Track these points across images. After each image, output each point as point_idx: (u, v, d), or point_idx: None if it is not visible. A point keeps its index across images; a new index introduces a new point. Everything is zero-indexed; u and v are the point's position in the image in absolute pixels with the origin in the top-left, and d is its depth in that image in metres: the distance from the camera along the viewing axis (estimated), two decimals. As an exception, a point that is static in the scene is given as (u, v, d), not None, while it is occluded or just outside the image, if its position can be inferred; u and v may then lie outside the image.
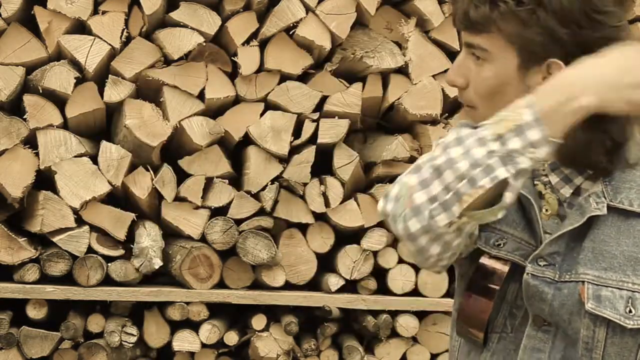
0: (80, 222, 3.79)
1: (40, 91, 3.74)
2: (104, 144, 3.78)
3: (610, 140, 1.76)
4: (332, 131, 3.87)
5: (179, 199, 3.83)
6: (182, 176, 3.84)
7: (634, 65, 1.70)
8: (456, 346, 1.90)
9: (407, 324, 3.94)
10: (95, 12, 3.77)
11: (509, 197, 1.67)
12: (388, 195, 1.75)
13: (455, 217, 1.68)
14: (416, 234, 1.71)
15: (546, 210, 1.82)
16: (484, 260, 1.83)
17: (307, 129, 3.86)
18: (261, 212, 3.87)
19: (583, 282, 1.75)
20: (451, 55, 3.92)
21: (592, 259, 1.76)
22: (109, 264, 3.79)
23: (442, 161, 1.69)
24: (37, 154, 3.75)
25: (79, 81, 3.76)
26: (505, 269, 1.81)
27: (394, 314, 3.93)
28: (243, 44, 3.80)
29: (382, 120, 4.06)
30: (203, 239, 3.85)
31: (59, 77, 3.73)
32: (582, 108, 1.66)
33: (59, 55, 3.82)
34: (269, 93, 3.85)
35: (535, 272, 1.78)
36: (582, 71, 1.69)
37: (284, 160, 3.86)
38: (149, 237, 3.78)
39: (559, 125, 1.66)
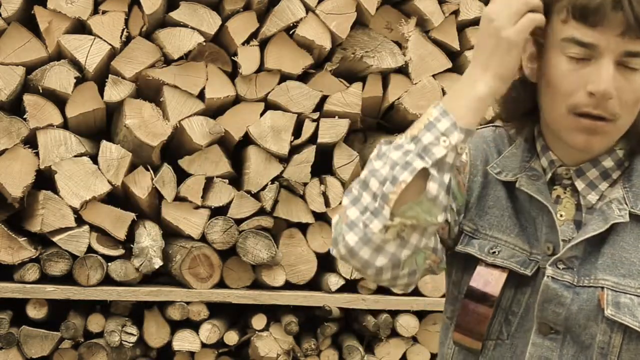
0: (80, 221, 3.79)
1: (41, 91, 3.74)
2: (104, 144, 3.78)
3: None
4: (332, 131, 3.87)
5: (179, 198, 3.83)
6: (182, 176, 3.84)
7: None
8: (449, 353, 1.88)
9: (407, 324, 3.94)
10: (95, 11, 3.77)
11: (432, 187, 1.69)
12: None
13: (388, 219, 1.70)
14: (355, 247, 1.74)
15: (561, 215, 1.81)
16: (481, 268, 1.82)
17: (307, 129, 3.86)
18: (261, 211, 3.87)
19: (602, 288, 1.76)
20: (451, 55, 3.93)
21: (611, 265, 1.76)
22: (109, 264, 3.79)
23: (366, 174, 1.75)
24: (37, 154, 3.75)
25: (79, 81, 3.76)
26: (502, 276, 1.81)
27: (394, 313, 3.93)
28: (243, 44, 3.80)
29: (382, 120, 4.07)
30: (203, 238, 3.85)
31: (59, 77, 3.73)
32: (482, 94, 1.72)
33: (59, 55, 3.82)
34: (269, 93, 3.85)
35: (555, 275, 1.78)
36: (474, 61, 1.73)
37: (284, 160, 3.87)
38: (149, 237, 3.78)
39: (467, 111, 1.71)
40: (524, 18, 1.71)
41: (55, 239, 3.77)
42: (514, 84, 1.82)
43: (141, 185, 3.81)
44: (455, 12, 3.95)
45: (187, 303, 3.85)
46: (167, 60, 3.81)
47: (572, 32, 1.72)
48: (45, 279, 3.80)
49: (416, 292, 3.93)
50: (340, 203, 3.88)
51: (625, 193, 1.78)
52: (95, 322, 3.86)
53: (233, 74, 3.86)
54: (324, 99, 3.88)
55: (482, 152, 1.89)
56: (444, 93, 3.89)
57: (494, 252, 1.82)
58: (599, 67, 1.71)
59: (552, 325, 1.78)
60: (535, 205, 1.82)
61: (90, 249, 3.79)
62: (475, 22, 3.99)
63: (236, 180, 3.91)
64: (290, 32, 3.83)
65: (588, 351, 1.76)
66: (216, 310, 3.92)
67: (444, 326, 1.92)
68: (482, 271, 1.82)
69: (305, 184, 3.87)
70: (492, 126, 1.94)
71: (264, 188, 3.85)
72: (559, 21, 1.74)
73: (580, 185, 1.81)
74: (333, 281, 3.89)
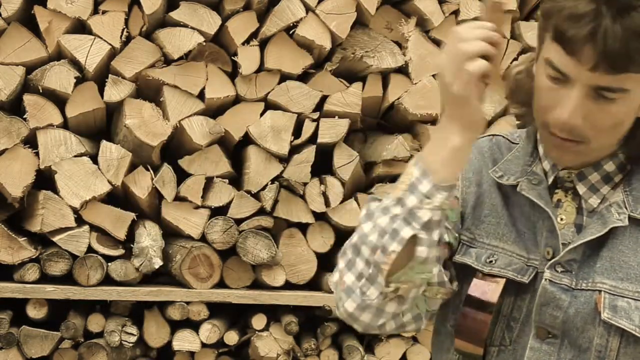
0: (80, 221, 3.79)
1: (40, 91, 3.74)
2: (104, 144, 3.78)
3: None
4: (332, 131, 3.87)
5: (179, 198, 3.83)
6: (182, 176, 3.84)
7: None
8: None
9: (407, 324, 3.93)
10: (95, 11, 3.77)
11: (421, 250, 1.71)
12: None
13: (384, 287, 1.74)
14: (355, 313, 1.79)
15: (561, 219, 1.81)
16: (478, 278, 1.83)
17: (307, 129, 3.86)
18: (261, 211, 3.87)
19: (600, 291, 1.75)
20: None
21: (609, 269, 1.76)
22: (109, 264, 3.79)
23: (357, 238, 1.76)
24: (37, 154, 3.75)
25: (79, 81, 3.76)
26: (500, 285, 1.81)
27: (394, 313, 3.93)
28: (243, 44, 3.80)
29: (382, 120, 4.06)
30: (203, 238, 3.85)
31: (59, 77, 3.73)
32: (456, 147, 1.70)
33: (59, 55, 3.82)
34: (269, 93, 3.85)
35: (553, 278, 1.78)
36: (444, 113, 1.73)
37: (284, 160, 3.86)
38: (149, 237, 3.78)
39: (444, 168, 1.70)
40: (464, 73, 1.67)
41: (55, 239, 3.77)
42: (520, 72, 1.81)
43: (141, 185, 3.81)
44: (455, 12, 3.95)
45: (187, 303, 3.85)
46: (167, 60, 3.81)
47: (552, 55, 1.69)
48: (45, 279, 3.80)
49: (416, 292, 3.92)
50: (340, 203, 3.89)
51: (626, 197, 1.78)
52: (95, 322, 3.86)
53: (233, 74, 3.86)
54: (324, 99, 3.88)
55: (475, 163, 1.90)
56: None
57: (491, 261, 1.82)
58: (568, 94, 1.68)
59: (550, 329, 1.78)
60: (536, 210, 1.82)
61: (90, 249, 3.79)
62: (475, 22, 3.99)
63: (236, 180, 3.91)
64: (290, 32, 3.83)
65: (585, 355, 1.76)
66: (216, 310, 3.92)
67: (442, 334, 1.92)
68: (479, 281, 1.83)
69: (305, 184, 3.87)
70: (489, 135, 1.94)
71: (264, 188, 3.85)
72: (548, 37, 1.71)
73: (581, 189, 1.80)
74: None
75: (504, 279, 1.80)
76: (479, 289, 1.82)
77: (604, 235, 1.77)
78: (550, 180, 1.83)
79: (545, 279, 1.78)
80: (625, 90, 1.67)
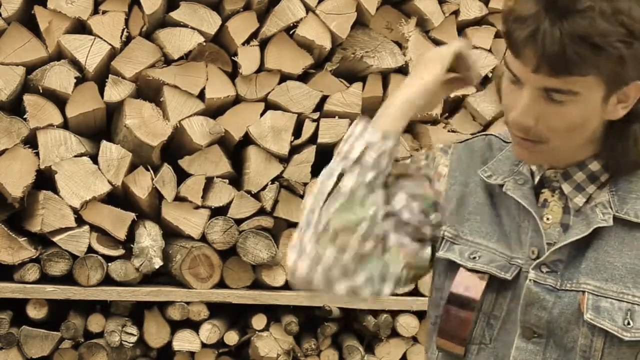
0: (80, 221, 3.79)
1: (41, 91, 3.74)
2: (104, 144, 3.78)
3: None
4: (332, 131, 3.87)
5: (179, 198, 3.83)
6: (182, 176, 3.84)
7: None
8: (433, 359, 1.88)
9: (407, 324, 3.94)
10: (95, 12, 3.77)
11: (345, 183, 1.79)
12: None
13: (320, 230, 1.80)
14: (293, 267, 1.80)
15: (547, 218, 1.81)
16: (461, 273, 1.83)
17: (307, 129, 3.86)
18: (261, 211, 3.87)
19: (583, 292, 1.75)
20: (451, 55, 3.92)
21: (594, 269, 1.75)
22: (109, 264, 3.79)
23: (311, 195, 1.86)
24: (37, 154, 3.75)
25: (79, 81, 3.76)
26: (483, 281, 1.81)
27: (394, 313, 3.93)
28: (243, 44, 3.80)
29: (382, 120, 4.06)
30: (203, 238, 3.85)
31: (59, 77, 3.73)
32: (406, 98, 1.85)
33: (59, 55, 3.82)
34: (269, 93, 3.85)
35: (537, 279, 1.77)
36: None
37: (284, 160, 3.87)
38: (149, 237, 3.78)
39: (383, 120, 1.87)
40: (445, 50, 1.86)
41: (55, 239, 3.77)
42: (501, 75, 1.84)
43: (141, 185, 3.81)
44: (455, 12, 3.95)
45: (187, 303, 3.85)
46: (167, 60, 3.81)
47: (507, 57, 1.72)
48: (45, 279, 3.80)
49: (416, 292, 3.93)
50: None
51: (611, 197, 1.77)
52: (96, 322, 3.86)
53: (233, 74, 3.86)
54: (324, 99, 3.88)
55: (463, 163, 1.91)
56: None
57: (474, 258, 1.82)
58: (521, 95, 1.71)
59: (535, 329, 1.78)
60: (521, 210, 1.82)
61: (90, 249, 3.79)
62: (476, 22, 3.99)
63: (236, 180, 3.91)
64: (290, 32, 3.83)
65: (570, 355, 1.76)
66: (216, 310, 3.92)
67: (428, 332, 1.92)
68: (462, 276, 1.82)
69: (305, 184, 3.87)
70: (483, 135, 1.95)
71: (264, 188, 3.85)
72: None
73: (567, 188, 1.80)
74: (333, 281, 3.89)
75: (487, 275, 1.80)
76: (462, 283, 1.82)
77: (590, 236, 1.76)
78: (537, 179, 1.83)
79: (530, 280, 1.78)
80: (575, 93, 1.67)
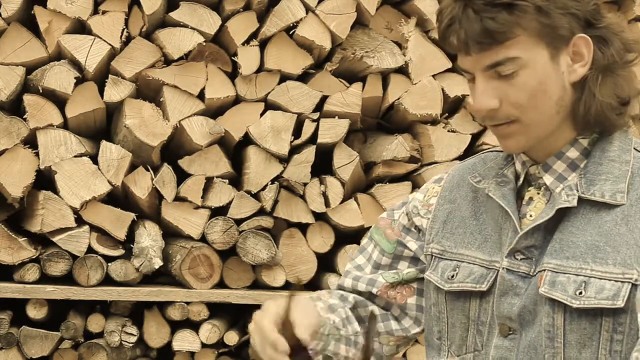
0: (80, 222, 3.79)
1: (40, 91, 3.74)
2: (104, 144, 3.78)
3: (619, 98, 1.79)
4: (332, 131, 3.87)
5: (179, 198, 3.83)
6: (182, 176, 3.84)
7: None
8: None
9: (407, 324, 3.94)
10: (95, 12, 3.77)
11: None
12: None
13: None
14: None
15: (530, 216, 1.82)
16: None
17: (307, 129, 3.86)
18: (261, 212, 3.87)
19: (544, 270, 1.77)
20: (451, 55, 3.92)
21: (558, 250, 1.77)
22: (109, 264, 3.79)
23: None
24: (37, 154, 3.75)
25: (79, 81, 3.76)
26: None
27: (394, 313, 3.93)
28: (243, 44, 3.80)
29: (382, 120, 4.06)
30: (203, 238, 3.85)
31: (59, 77, 3.73)
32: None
33: (59, 55, 3.82)
34: (269, 93, 3.85)
35: (510, 267, 1.80)
36: None
37: (284, 160, 3.86)
38: (149, 237, 3.78)
39: None
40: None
41: (55, 239, 3.77)
42: None
43: (141, 185, 3.81)
44: (455, 12, 3.94)
45: (187, 303, 3.85)
46: (167, 60, 3.81)
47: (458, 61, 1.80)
48: (45, 279, 3.80)
49: (416, 292, 3.93)
50: (340, 203, 3.89)
51: (579, 179, 1.79)
52: (95, 322, 3.86)
53: (233, 74, 3.86)
54: (324, 99, 3.88)
55: (454, 180, 1.95)
56: (444, 93, 3.90)
57: (452, 276, 1.87)
58: (474, 86, 1.77)
59: (509, 324, 1.80)
60: (502, 211, 1.84)
61: (90, 249, 3.79)
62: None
63: (236, 180, 3.91)
64: (290, 32, 3.83)
65: (538, 338, 1.77)
66: (216, 310, 3.92)
67: (432, 346, 1.94)
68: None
69: (305, 184, 3.87)
70: (481, 152, 1.99)
71: (264, 188, 3.85)
72: None
73: (548, 179, 1.82)
74: (333, 281, 3.89)
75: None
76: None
77: (559, 219, 1.78)
78: (522, 178, 1.85)
79: (503, 268, 1.80)
80: (515, 59, 1.73)
